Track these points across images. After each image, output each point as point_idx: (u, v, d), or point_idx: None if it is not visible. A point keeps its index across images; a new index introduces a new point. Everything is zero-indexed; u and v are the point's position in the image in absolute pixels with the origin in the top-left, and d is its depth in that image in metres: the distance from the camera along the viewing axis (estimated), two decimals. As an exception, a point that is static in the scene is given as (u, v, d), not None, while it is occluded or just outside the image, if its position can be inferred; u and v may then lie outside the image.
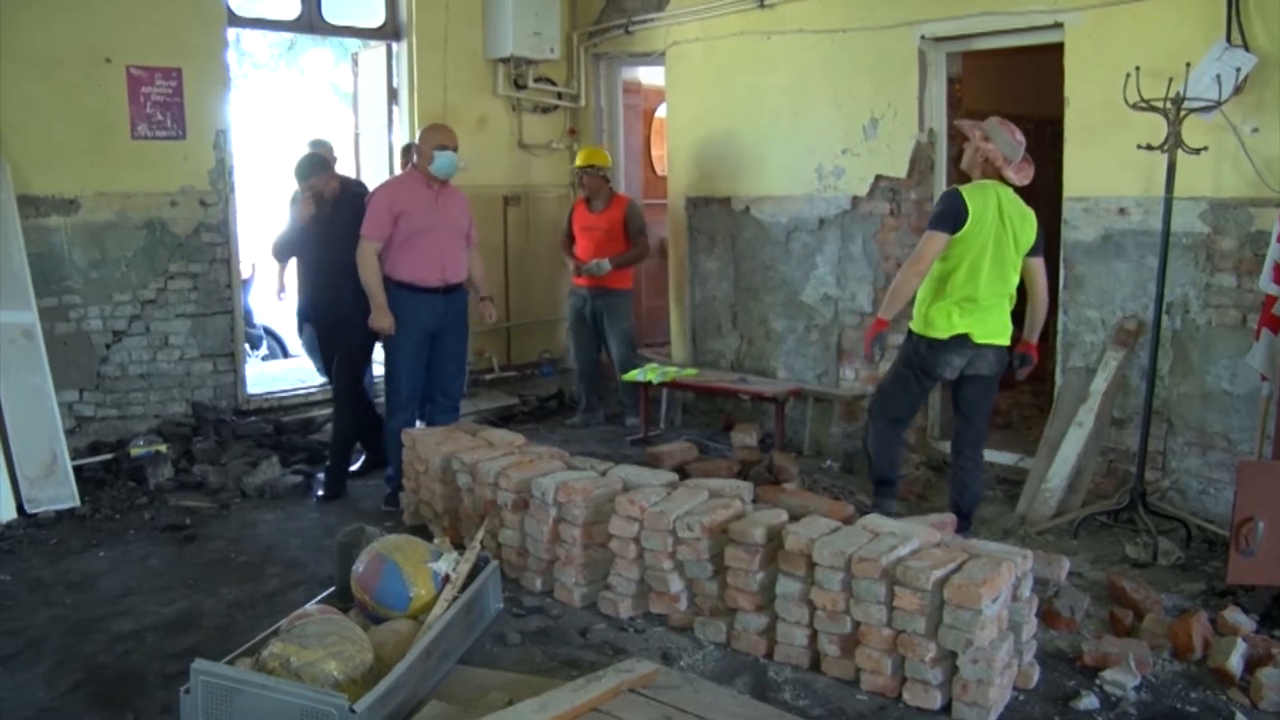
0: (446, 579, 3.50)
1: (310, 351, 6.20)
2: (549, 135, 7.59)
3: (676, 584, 3.66)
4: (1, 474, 4.87)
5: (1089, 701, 3.13)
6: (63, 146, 5.57)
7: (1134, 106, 4.40)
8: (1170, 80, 4.38)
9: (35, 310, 5.21)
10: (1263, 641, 3.35)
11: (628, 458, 5.06)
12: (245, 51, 12.60)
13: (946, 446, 5.32)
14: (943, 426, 5.71)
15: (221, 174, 6.07)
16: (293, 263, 5.76)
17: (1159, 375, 4.61)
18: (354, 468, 5.60)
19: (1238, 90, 4.28)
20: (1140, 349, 4.75)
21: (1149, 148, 4.42)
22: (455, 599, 3.45)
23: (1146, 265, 4.70)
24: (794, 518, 3.60)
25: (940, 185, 5.51)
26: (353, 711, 2.71)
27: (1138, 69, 4.40)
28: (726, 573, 3.52)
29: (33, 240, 5.42)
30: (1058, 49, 4.94)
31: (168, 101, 5.85)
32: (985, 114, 4.35)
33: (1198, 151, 4.35)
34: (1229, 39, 4.31)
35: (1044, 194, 4.78)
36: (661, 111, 7.61)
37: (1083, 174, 4.93)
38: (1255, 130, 4.33)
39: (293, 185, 5.43)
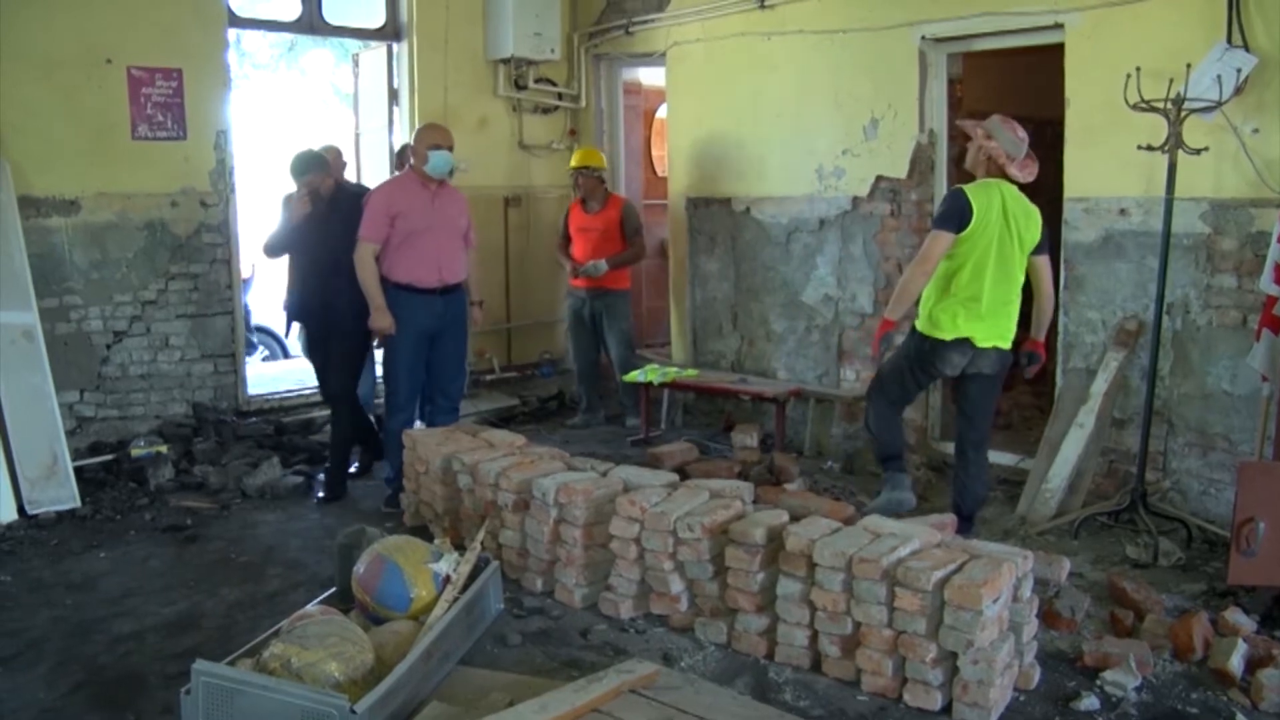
0: (447, 580, 3.50)
1: (308, 352, 6.18)
2: (549, 136, 7.59)
3: (677, 585, 3.66)
4: (2, 475, 4.87)
5: (1089, 702, 3.13)
6: (63, 147, 5.57)
7: (1134, 107, 4.41)
8: (1171, 81, 4.38)
9: (36, 311, 5.21)
10: (1263, 642, 3.35)
11: (628, 458, 5.06)
12: (246, 52, 12.59)
13: (947, 447, 5.33)
14: (943, 427, 5.71)
15: (222, 175, 6.07)
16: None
17: (1159, 376, 4.61)
18: (351, 469, 5.59)
19: (1238, 91, 4.28)
20: (1141, 349, 4.75)
21: (1149, 148, 4.42)
22: (456, 600, 3.45)
23: (1147, 266, 4.70)
24: (795, 518, 3.60)
25: (941, 186, 5.51)
26: (353, 712, 2.71)
27: (1138, 69, 4.40)
28: (727, 573, 3.52)
29: (33, 241, 5.42)
30: (1058, 49, 4.94)
31: (168, 102, 5.86)
32: (986, 114, 4.34)
33: (1198, 152, 4.35)
34: (1229, 39, 4.31)
35: (1044, 194, 4.78)
36: (662, 112, 7.61)
37: (1083, 174, 4.93)
38: (1256, 131, 4.33)
39: (290, 184, 5.41)
